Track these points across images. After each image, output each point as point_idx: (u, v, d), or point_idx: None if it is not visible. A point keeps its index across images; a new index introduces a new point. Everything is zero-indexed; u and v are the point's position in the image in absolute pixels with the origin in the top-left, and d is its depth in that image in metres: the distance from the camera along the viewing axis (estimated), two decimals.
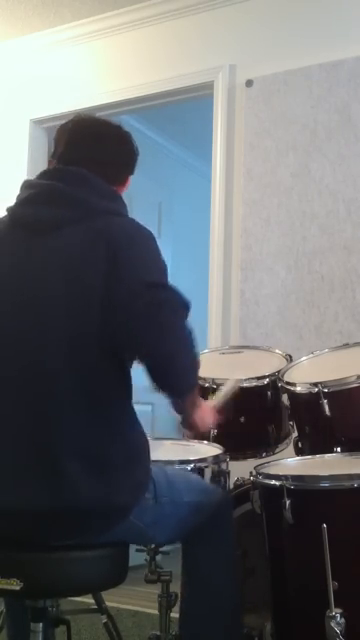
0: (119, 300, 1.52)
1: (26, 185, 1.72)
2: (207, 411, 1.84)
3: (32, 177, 1.79)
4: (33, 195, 1.68)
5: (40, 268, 1.60)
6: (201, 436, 1.93)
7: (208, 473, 2.01)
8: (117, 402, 1.60)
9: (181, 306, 1.57)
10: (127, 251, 1.57)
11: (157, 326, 1.50)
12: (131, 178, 1.84)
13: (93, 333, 1.54)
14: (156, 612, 2.04)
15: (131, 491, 1.56)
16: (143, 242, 1.63)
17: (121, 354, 1.58)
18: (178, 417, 1.78)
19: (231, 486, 2.17)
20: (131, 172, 1.83)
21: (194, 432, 1.80)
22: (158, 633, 2.00)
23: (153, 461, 1.66)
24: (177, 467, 1.93)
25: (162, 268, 1.63)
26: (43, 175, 1.73)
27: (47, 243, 1.61)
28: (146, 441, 1.64)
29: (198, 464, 1.98)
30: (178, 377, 1.58)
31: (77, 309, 1.55)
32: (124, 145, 1.81)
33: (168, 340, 1.52)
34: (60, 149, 1.77)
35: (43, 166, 3.88)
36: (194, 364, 1.62)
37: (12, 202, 1.73)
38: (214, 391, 2.21)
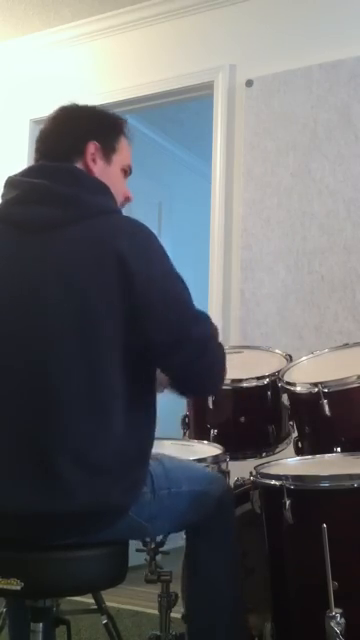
0: (145, 332, 1.55)
1: (12, 184, 1.65)
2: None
3: None
4: (22, 194, 1.62)
5: (38, 270, 1.57)
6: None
7: None
8: (121, 409, 1.56)
9: (213, 335, 1.64)
10: (142, 270, 1.55)
11: (200, 374, 1.62)
12: (95, 146, 1.71)
13: (102, 346, 1.53)
14: (156, 612, 2.04)
15: (128, 491, 1.56)
16: (155, 252, 1.61)
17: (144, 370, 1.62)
18: None
19: (231, 486, 2.17)
20: (90, 136, 1.72)
21: None
22: (158, 633, 2.00)
23: (152, 455, 1.65)
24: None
25: (183, 288, 1.63)
26: (29, 173, 1.67)
27: (43, 243, 1.58)
28: (148, 446, 1.63)
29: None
30: (211, 392, 1.81)
31: (82, 318, 1.53)
32: (71, 114, 1.77)
33: (209, 379, 1.68)
34: (37, 144, 1.76)
35: None
36: (223, 374, 1.71)
37: None
38: None
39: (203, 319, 1.63)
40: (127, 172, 1.80)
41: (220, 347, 1.66)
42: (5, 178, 1.68)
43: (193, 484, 1.71)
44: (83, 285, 1.54)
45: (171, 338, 1.56)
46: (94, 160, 1.71)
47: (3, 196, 1.67)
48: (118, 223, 1.62)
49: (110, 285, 1.53)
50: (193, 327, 1.58)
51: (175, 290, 1.61)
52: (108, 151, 1.74)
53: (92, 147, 1.71)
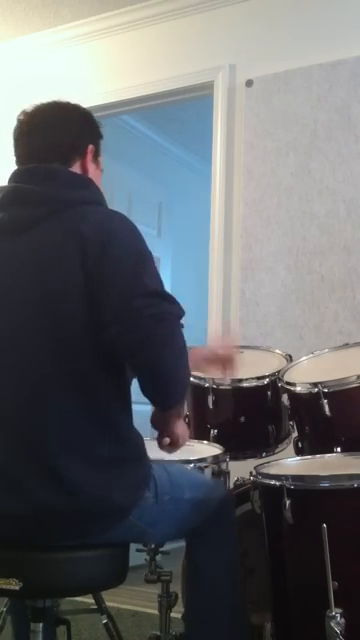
0: (109, 305, 1.49)
1: None
2: (185, 427, 1.72)
3: None
4: (1, 199, 1.65)
5: (16, 269, 1.59)
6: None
7: (208, 473, 2.02)
8: (113, 403, 1.59)
9: (178, 317, 1.53)
10: (111, 248, 1.53)
11: (155, 341, 1.47)
12: (94, 145, 1.76)
13: (78, 335, 1.52)
14: (156, 612, 2.04)
15: (130, 491, 1.56)
16: (128, 236, 1.59)
17: (115, 358, 1.55)
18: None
19: (231, 486, 2.17)
20: (89, 139, 1.76)
21: (173, 447, 1.69)
22: (158, 633, 2.00)
23: (154, 460, 1.66)
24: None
25: (153, 268, 1.57)
26: (10, 178, 1.71)
27: (23, 244, 1.60)
28: (143, 442, 1.64)
29: (198, 464, 1.98)
30: (169, 392, 1.57)
31: (55, 310, 1.53)
32: (68, 115, 1.78)
33: (165, 355, 1.48)
34: (16, 149, 1.78)
35: None
36: (186, 377, 1.60)
37: None
38: (214, 391, 2.22)
39: (158, 296, 1.51)
40: (101, 172, 1.84)
41: (170, 327, 1.51)
42: (5, 177, 1.69)
43: (195, 491, 1.72)
44: (59, 280, 1.54)
45: (114, 309, 1.49)
46: (90, 162, 1.75)
47: None
48: (91, 212, 1.62)
49: (74, 270, 1.53)
50: (136, 299, 1.48)
51: (130, 268, 1.52)
52: (97, 154, 1.79)
53: (90, 150, 1.76)
